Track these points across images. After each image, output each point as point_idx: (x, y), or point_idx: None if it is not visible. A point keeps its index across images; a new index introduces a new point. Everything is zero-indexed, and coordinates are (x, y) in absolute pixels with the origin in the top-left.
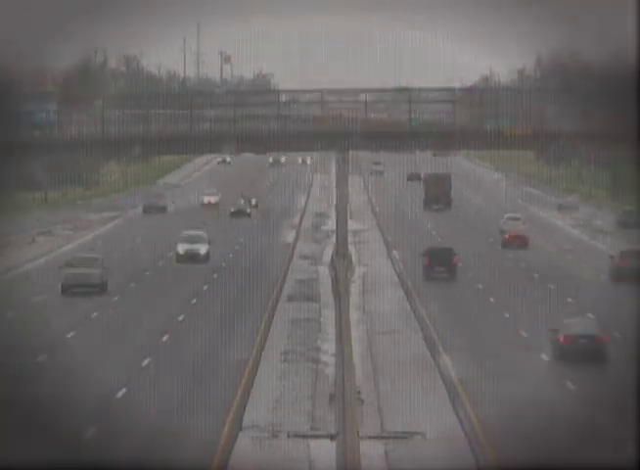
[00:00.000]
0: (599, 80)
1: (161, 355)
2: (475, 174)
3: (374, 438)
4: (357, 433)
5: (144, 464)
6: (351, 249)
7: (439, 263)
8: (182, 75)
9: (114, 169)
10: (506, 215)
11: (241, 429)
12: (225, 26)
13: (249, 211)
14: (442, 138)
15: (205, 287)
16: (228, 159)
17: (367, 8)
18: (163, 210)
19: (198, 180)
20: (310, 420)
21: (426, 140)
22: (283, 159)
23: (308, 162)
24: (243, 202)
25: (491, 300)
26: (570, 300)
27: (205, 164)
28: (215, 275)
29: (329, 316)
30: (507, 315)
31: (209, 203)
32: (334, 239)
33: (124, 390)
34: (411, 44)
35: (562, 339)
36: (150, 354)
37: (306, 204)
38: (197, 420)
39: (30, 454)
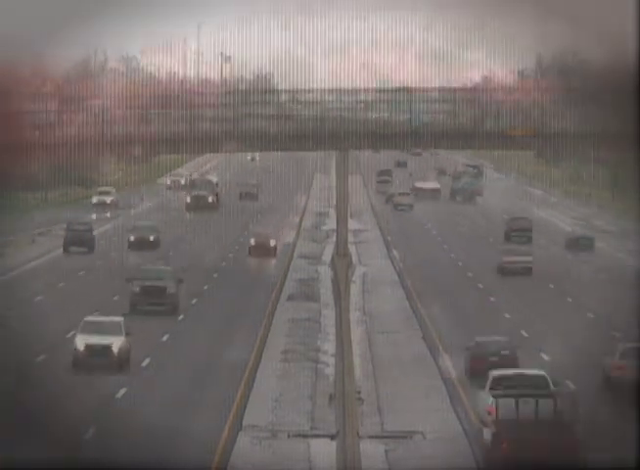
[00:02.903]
0: (599, 80)
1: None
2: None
3: (374, 437)
4: (357, 433)
5: (144, 464)
6: (351, 248)
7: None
8: (182, 75)
9: (114, 169)
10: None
11: (241, 429)
12: (225, 26)
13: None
14: (442, 138)
15: None
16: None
17: (367, 8)
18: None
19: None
20: (310, 420)
21: (426, 140)
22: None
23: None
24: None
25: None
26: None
27: (205, 162)
28: None
29: (329, 316)
30: None
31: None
32: (334, 239)
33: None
34: (411, 44)
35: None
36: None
37: (306, 204)
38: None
39: (30, 454)
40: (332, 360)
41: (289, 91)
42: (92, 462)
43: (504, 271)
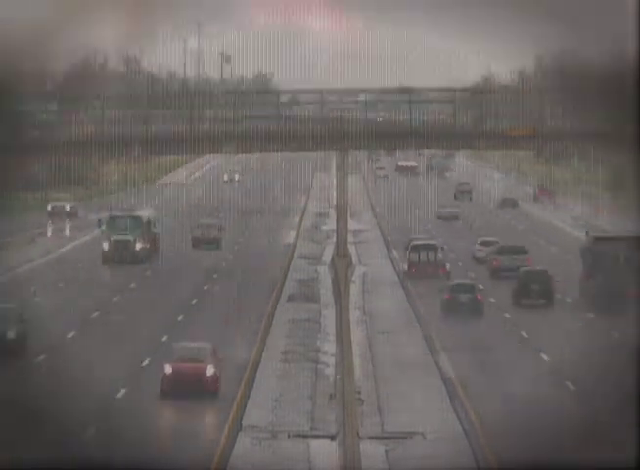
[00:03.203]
0: (599, 80)
1: None
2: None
3: (374, 438)
4: (357, 433)
5: (144, 464)
6: (352, 248)
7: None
8: (182, 75)
9: (113, 169)
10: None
11: (241, 429)
12: (225, 26)
13: None
14: (442, 138)
15: None
16: (236, 177)
17: (367, 8)
18: None
19: (198, 179)
20: (310, 420)
21: (426, 140)
22: None
23: (236, 178)
24: None
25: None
26: None
27: (206, 162)
28: None
29: (329, 316)
30: None
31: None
32: (334, 239)
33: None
34: (411, 44)
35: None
36: None
37: (306, 204)
38: None
39: (30, 454)
40: (332, 361)
41: (289, 91)
42: (92, 462)
43: (440, 217)
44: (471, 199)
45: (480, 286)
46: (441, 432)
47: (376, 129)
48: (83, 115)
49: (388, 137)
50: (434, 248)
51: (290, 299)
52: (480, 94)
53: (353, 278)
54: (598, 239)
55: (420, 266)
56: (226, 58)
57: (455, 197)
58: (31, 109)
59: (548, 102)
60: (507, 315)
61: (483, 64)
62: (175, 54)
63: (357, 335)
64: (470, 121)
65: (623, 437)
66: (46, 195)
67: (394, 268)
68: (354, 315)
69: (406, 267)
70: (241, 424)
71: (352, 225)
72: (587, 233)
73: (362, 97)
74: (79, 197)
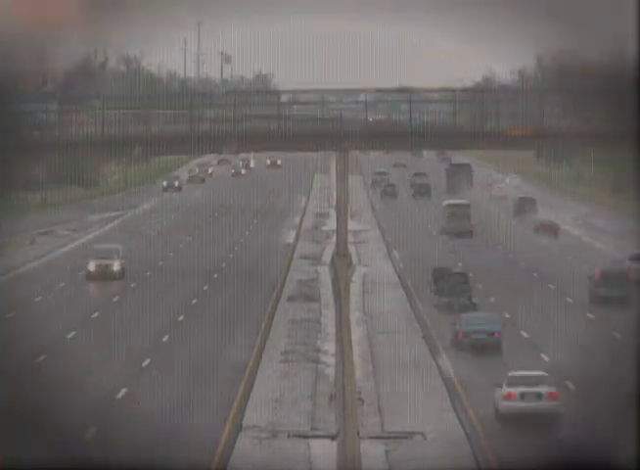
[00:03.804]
0: (599, 80)
1: None
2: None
3: (374, 438)
4: (357, 433)
5: (144, 464)
6: (351, 248)
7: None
8: (182, 76)
9: (113, 170)
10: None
11: (241, 429)
12: (225, 26)
13: None
14: (442, 138)
15: None
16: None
17: (367, 7)
18: None
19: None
20: (311, 420)
21: (426, 140)
22: None
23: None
24: None
25: None
26: None
27: (205, 163)
28: None
29: (329, 316)
30: None
31: None
32: (334, 239)
33: None
34: (411, 44)
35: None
36: None
37: (306, 204)
38: None
39: (30, 454)
40: (332, 360)
41: (289, 91)
42: (92, 462)
43: (395, 165)
44: (422, 156)
45: (402, 190)
46: (441, 432)
47: (376, 129)
48: (83, 115)
49: (388, 137)
50: (385, 173)
51: (290, 299)
52: (481, 94)
53: (353, 278)
54: (451, 165)
55: (376, 183)
56: (226, 58)
57: (412, 155)
58: (31, 109)
59: (548, 102)
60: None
61: (484, 63)
62: (175, 54)
63: (357, 335)
64: (469, 121)
65: (623, 437)
66: (46, 195)
67: (395, 268)
68: (354, 315)
69: (370, 183)
70: (241, 424)
71: (352, 225)
72: (450, 163)
73: (362, 97)
74: (79, 197)
